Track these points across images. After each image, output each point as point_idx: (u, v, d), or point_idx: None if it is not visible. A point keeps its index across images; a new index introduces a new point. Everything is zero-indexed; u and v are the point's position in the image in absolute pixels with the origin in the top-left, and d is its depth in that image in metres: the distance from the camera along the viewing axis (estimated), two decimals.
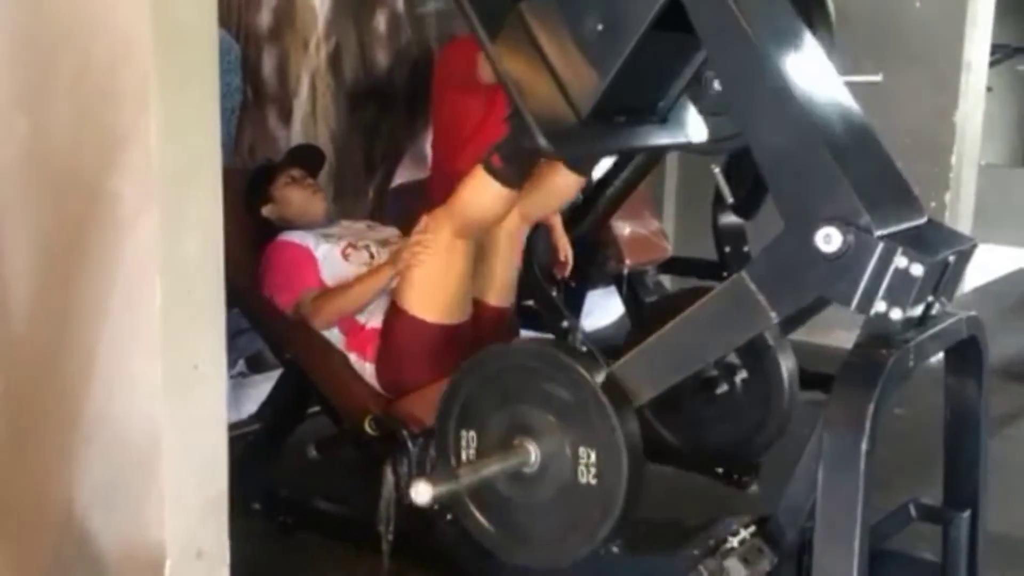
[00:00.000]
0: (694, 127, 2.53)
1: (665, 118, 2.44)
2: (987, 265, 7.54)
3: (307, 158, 3.36)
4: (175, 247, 2.03)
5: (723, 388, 3.30)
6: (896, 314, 2.08)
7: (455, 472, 2.22)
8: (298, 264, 3.01)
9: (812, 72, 2.25)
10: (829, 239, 2.09)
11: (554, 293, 3.98)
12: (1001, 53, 8.50)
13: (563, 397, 2.22)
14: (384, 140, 4.38)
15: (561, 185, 2.93)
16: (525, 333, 4.70)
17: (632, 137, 2.44)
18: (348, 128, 4.28)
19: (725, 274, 4.34)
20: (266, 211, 3.18)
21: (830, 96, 2.27)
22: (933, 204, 5.29)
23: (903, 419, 4.03)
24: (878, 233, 2.08)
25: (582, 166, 2.92)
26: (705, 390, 3.30)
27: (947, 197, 5.28)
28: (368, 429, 2.76)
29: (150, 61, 1.93)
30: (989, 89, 5.99)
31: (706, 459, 3.43)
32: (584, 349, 3.94)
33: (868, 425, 1.98)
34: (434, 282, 2.84)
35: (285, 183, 3.19)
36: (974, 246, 2.32)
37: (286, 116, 4.07)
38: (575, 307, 4.64)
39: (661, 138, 2.51)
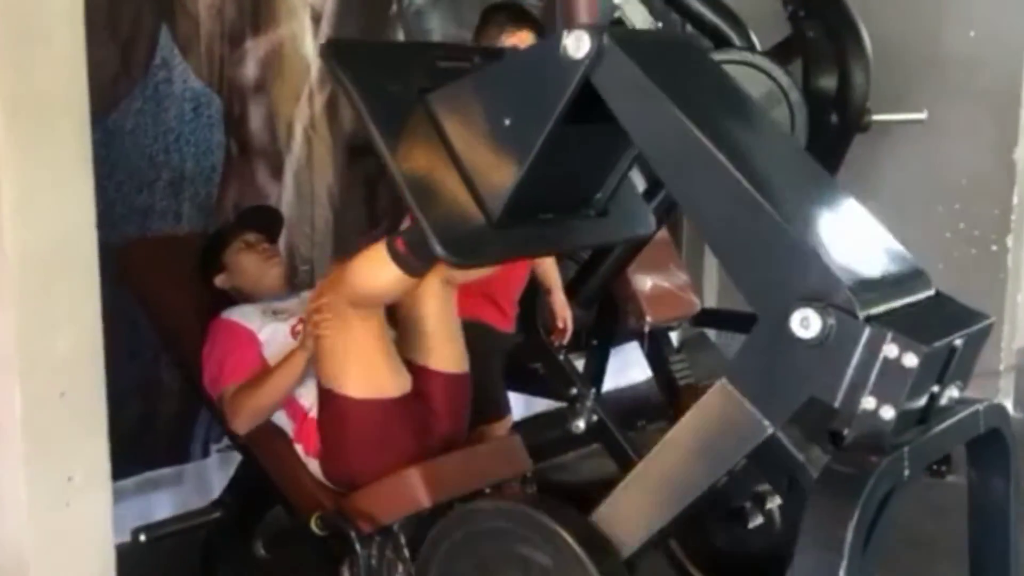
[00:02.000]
0: (639, 219, 2.26)
1: (604, 210, 2.16)
2: None
3: (262, 220, 3.09)
4: (41, 344, 1.78)
5: (757, 520, 2.82)
6: (887, 412, 1.76)
7: None
8: (231, 351, 2.72)
9: (761, 141, 2.00)
10: (807, 323, 1.79)
11: (561, 357, 3.66)
12: None
13: (541, 562, 1.92)
14: (388, 192, 4.12)
15: None
16: (530, 400, 4.42)
17: (559, 236, 2.18)
18: (348, 181, 4.04)
19: None
20: (219, 281, 2.92)
21: (788, 165, 2.01)
22: (995, 248, 4.91)
23: None
24: (864, 314, 1.77)
25: None
26: (737, 522, 2.86)
27: (1009, 240, 4.86)
28: (315, 528, 2.47)
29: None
30: None
31: None
32: (595, 418, 3.67)
33: (848, 549, 1.66)
34: (348, 352, 2.52)
35: (238, 249, 2.92)
36: (989, 325, 1.97)
37: (277, 171, 3.84)
38: (598, 366, 4.35)
39: (597, 235, 2.26)
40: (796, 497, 2.66)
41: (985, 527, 2.14)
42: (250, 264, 2.91)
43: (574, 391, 3.62)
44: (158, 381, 3.54)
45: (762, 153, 1.96)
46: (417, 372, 2.65)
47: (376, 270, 2.39)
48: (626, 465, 3.64)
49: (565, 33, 1.84)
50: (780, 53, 4.01)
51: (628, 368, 4.99)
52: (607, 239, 2.54)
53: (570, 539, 1.87)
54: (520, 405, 4.63)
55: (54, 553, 1.85)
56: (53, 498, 1.83)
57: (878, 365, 1.75)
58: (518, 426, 4.50)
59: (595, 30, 1.83)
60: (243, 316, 2.79)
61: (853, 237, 1.95)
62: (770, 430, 1.84)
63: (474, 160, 1.93)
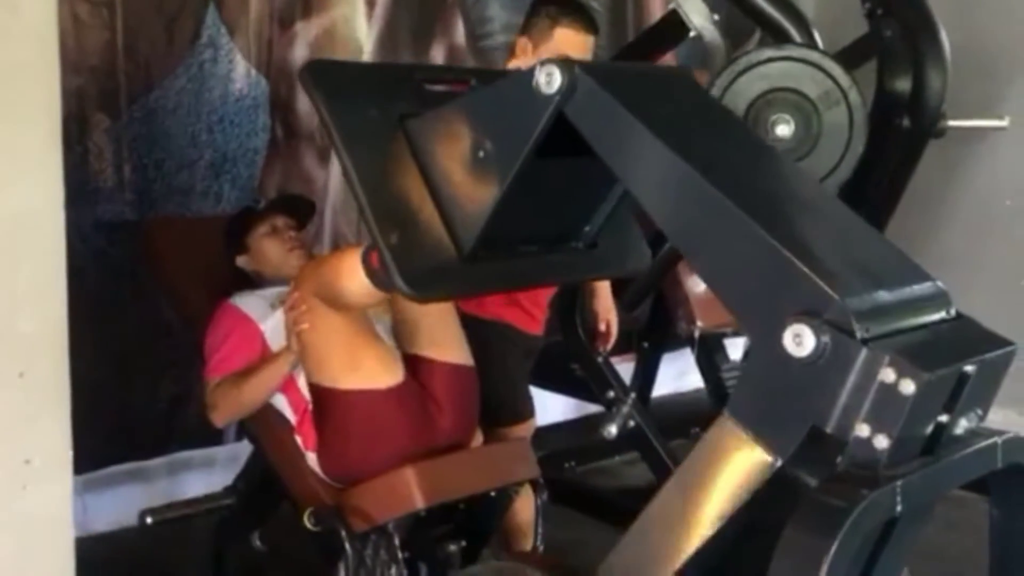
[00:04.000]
0: (633, 252, 2.13)
1: (594, 243, 2.05)
2: None
3: (294, 207, 3.02)
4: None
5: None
6: (881, 442, 1.62)
7: None
8: (226, 340, 2.67)
9: (752, 162, 1.90)
10: (800, 339, 1.65)
11: (600, 359, 3.54)
12: None
13: None
14: None
15: None
16: (567, 402, 4.29)
17: (538, 270, 2.06)
18: None
19: None
20: (240, 262, 2.87)
21: (784, 184, 1.92)
22: None
23: None
24: (863, 334, 1.63)
25: None
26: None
27: None
28: (308, 524, 2.41)
29: None
30: None
31: None
32: (632, 424, 3.54)
33: None
34: (330, 344, 2.45)
35: (264, 233, 2.86)
36: (1011, 352, 1.81)
37: (323, 156, 3.79)
38: (648, 371, 4.22)
39: (583, 268, 2.15)
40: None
41: (1006, 568, 1.98)
42: (272, 251, 2.85)
43: (611, 394, 3.50)
44: (192, 360, 3.52)
45: (751, 173, 1.87)
46: (416, 363, 2.57)
47: (348, 277, 2.27)
48: (662, 475, 3.52)
49: (538, 67, 1.77)
50: (852, 53, 3.84)
51: (688, 373, 4.85)
52: (593, 273, 2.46)
53: None
54: (572, 407, 4.53)
55: (8, 539, 1.80)
56: (8, 481, 1.79)
57: (874, 390, 1.61)
58: (564, 427, 4.43)
59: (568, 65, 1.77)
60: (248, 304, 2.73)
61: (860, 254, 1.82)
62: (777, 463, 1.71)
63: (449, 190, 1.86)
